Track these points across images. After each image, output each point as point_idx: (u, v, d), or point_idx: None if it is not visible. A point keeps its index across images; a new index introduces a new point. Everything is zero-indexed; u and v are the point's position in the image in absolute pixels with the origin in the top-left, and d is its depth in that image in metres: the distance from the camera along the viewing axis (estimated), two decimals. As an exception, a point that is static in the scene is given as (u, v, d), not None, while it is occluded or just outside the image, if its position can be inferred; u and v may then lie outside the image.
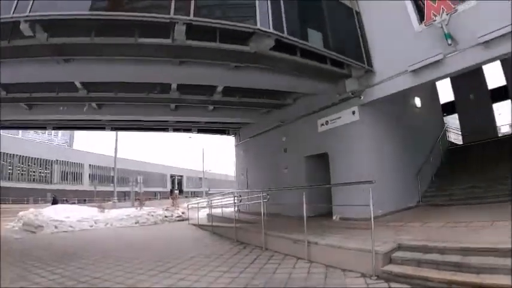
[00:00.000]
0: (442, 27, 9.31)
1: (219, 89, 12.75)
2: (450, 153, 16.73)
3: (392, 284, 5.68)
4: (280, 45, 8.80)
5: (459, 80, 19.42)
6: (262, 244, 9.28)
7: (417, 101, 15.31)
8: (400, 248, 6.61)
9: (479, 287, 4.99)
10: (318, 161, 14.04)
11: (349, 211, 11.04)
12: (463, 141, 19.86)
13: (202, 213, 19.15)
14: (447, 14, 9.24)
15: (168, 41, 8.00)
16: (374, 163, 11.64)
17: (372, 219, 6.35)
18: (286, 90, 13.49)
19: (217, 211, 16.23)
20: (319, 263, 7.23)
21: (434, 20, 9.47)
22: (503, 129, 21.30)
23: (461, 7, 9.22)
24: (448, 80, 20.72)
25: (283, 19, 8.48)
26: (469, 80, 19.18)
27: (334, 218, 12.13)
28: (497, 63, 19.50)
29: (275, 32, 8.16)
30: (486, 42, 8.64)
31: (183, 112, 15.38)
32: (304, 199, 8.06)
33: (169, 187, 79.18)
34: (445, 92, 21.60)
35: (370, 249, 6.19)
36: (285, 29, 8.43)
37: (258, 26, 7.89)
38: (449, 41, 9.24)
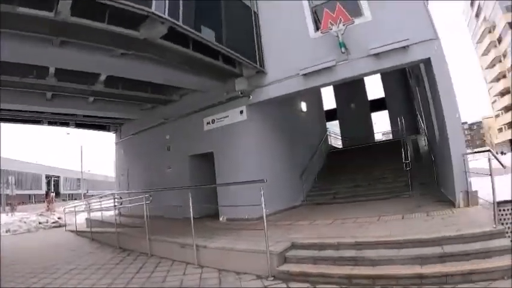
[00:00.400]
0: (337, 36, 9.63)
1: (102, 77, 11.46)
2: (331, 156, 17.67)
3: (291, 283, 5.61)
4: (172, 36, 8.17)
5: (342, 90, 20.73)
6: (148, 250, 8.63)
7: (303, 106, 15.92)
8: (293, 246, 6.61)
9: (378, 277, 5.23)
10: (203, 161, 13.61)
11: (236, 211, 10.84)
12: (342, 145, 21.15)
13: (81, 218, 17.38)
14: (344, 25, 9.59)
15: (51, 15, 6.81)
16: (260, 163, 11.58)
17: (265, 218, 6.23)
18: (173, 85, 12.74)
19: (96, 215, 15.09)
20: (210, 267, 6.88)
21: (331, 29, 9.73)
22: (378, 136, 23.35)
23: (358, 20, 9.80)
24: (331, 89, 21.94)
25: (180, 7, 7.85)
26: (351, 90, 20.58)
27: (221, 219, 11.83)
28: (378, 77, 21.32)
29: (170, 18, 7.48)
30: (376, 54, 9.34)
31: (60, 103, 13.46)
32: (190, 200, 7.66)
33: (44, 189, 70.83)
34: (328, 100, 22.87)
35: (264, 250, 6.06)
36: (180, 17, 7.80)
37: (153, 9, 7.16)
38: (343, 50, 9.63)
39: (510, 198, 6.39)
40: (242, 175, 10.79)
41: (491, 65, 77.66)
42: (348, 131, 21.83)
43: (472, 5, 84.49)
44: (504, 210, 6.11)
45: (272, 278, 5.86)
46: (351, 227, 7.66)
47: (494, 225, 5.85)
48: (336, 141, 22.05)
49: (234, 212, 11.21)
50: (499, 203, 6.17)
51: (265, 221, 6.19)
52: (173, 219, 11.87)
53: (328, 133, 19.68)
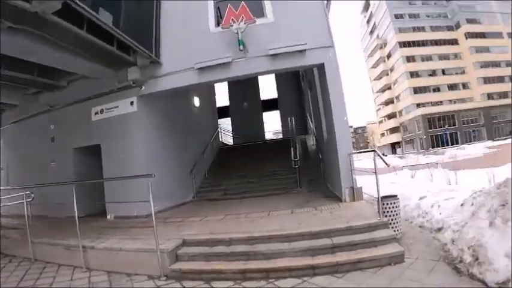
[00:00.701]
0: (237, 33, 9.55)
1: (-21, 53, 10.12)
2: (222, 153, 17.64)
3: (185, 282, 5.47)
4: (66, 14, 7.44)
5: (236, 87, 20.82)
6: (31, 255, 7.65)
7: (196, 101, 15.64)
8: (185, 244, 6.43)
9: (271, 271, 5.32)
10: (89, 154, 12.46)
11: (125, 209, 10.04)
12: (233, 143, 21.27)
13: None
14: (245, 23, 9.56)
15: None
16: (150, 157, 11.02)
17: (154, 215, 5.95)
18: (63, 69, 11.66)
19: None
20: (99, 270, 6.38)
21: (232, 26, 9.62)
22: (269, 135, 23.90)
23: (260, 20, 9.94)
24: (225, 86, 21.94)
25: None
26: (245, 89, 20.74)
27: (108, 217, 11.01)
28: (272, 78, 21.79)
29: (66, -8, 6.79)
30: (274, 55, 9.51)
31: None
32: (74, 197, 6.98)
33: None
34: (222, 97, 22.85)
35: (155, 249, 5.82)
36: (76, -8, 7.12)
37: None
38: (241, 47, 9.59)
39: (391, 194, 6.94)
40: (130, 170, 10.12)
41: (379, 77, 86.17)
42: (239, 128, 22.05)
43: (368, 21, 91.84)
44: (387, 204, 6.57)
45: (165, 278, 5.70)
46: (242, 222, 7.65)
47: (379, 218, 6.34)
48: (227, 138, 22.17)
49: (122, 210, 10.40)
50: (383, 198, 6.63)
51: (154, 218, 5.90)
52: (58, 219, 10.68)
53: (219, 129, 19.64)
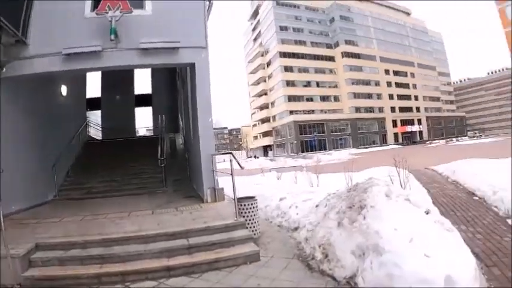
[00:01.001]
0: (111, 21, 8.96)
1: None
2: (89, 148, 16.37)
3: None
4: None
5: (110, 79, 19.65)
6: None
7: (64, 89, 13.94)
8: (38, 248, 5.76)
9: (127, 274, 5.17)
10: None
11: None
12: (102, 137, 20.06)
13: None
14: (121, 12, 9.04)
15: None
16: (6, 150, 9.73)
17: (1, 217, 5.20)
18: None
19: None
20: None
21: (107, 12, 9.05)
22: (142, 132, 23.01)
23: (138, 11, 9.41)
24: (99, 76, 20.68)
25: None
26: (119, 81, 19.70)
27: None
28: (148, 72, 21.13)
29: None
30: (146, 49, 9.11)
31: None
32: None
33: None
34: (94, 88, 21.38)
35: (5, 254, 5.09)
36: None
37: None
38: (113, 37, 8.94)
39: (249, 195, 7.17)
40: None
41: (257, 83, 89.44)
42: (110, 122, 20.77)
43: (254, 29, 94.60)
44: (244, 205, 6.77)
45: (18, 287, 5.09)
46: (101, 223, 7.24)
47: (236, 218, 6.51)
48: (97, 133, 20.81)
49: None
50: (240, 199, 6.85)
51: (1, 220, 5.17)
52: None
53: (88, 122, 18.33)
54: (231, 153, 7.27)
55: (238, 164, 6.99)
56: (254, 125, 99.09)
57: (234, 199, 6.64)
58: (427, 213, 5.25)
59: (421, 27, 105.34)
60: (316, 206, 7.10)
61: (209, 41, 9.55)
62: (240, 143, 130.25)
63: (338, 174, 13.47)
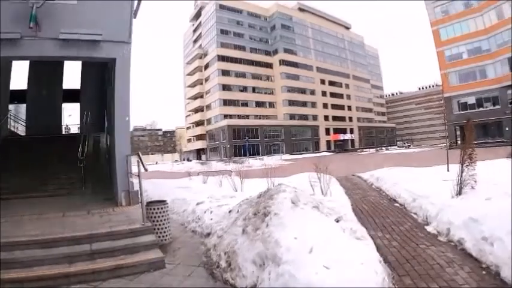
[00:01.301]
0: (33, 7, 8.36)
1: None
2: (9, 144, 15.43)
3: None
4: None
5: (38, 70, 18.65)
6: None
7: None
8: None
9: (27, 280, 4.86)
10: None
11: None
12: (26, 133, 19.02)
13: None
14: None
15: None
16: None
17: None
18: None
19: None
20: None
21: (30, -1, 8.48)
22: (74, 129, 21.96)
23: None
24: (26, 67, 19.58)
25: None
26: (48, 73, 18.72)
27: None
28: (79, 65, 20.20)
29: None
30: (66, 40, 8.60)
31: None
32: None
33: None
34: (20, 79, 20.19)
35: None
36: None
37: None
38: (31, 24, 8.32)
39: (157, 199, 7.01)
40: None
41: (193, 85, 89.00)
42: (35, 117, 19.75)
43: (195, 31, 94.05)
44: (154, 209, 6.60)
45: None
46: (6, 226, 6.55)
47: (143, 223, 6.25)
48: (21, 128, 19.68)
49: None
50: (150, 203, 6.69)
51: None
52: None
53: (9, 116, 17.32)
54: (138, 153, 7.01)
55: (143, 166, 6.58)
56: (188, 128, 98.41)
57: (141, 203, 6.44)
58: (338, 221, 5.36)
59: (358, 42, 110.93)
60: (230, 211, 7.09)
61: (133, 36, 9.24)
62: (173, 145, 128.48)
63: (264, 179, 13.66)
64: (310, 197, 6.37)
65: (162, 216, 6.66)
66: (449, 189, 7.35)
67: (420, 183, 9.58)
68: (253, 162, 39.59)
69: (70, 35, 8.58)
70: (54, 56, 9.36)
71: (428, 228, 6.47)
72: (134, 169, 7.73)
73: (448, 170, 12.34)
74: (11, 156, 13.48)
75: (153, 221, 6.55)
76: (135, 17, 9.77)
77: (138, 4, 10.48)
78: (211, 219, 7.52)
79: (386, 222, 7.31)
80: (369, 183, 13.76)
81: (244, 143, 71.87)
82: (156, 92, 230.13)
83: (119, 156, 8.64)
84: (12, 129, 17.79)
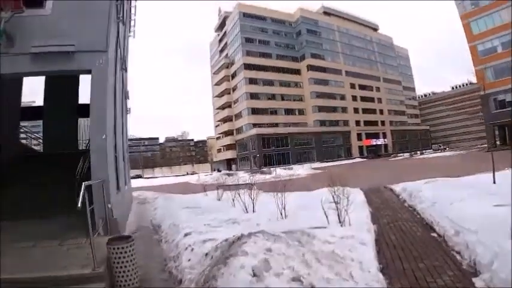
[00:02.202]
0: (0, 22, 7.62)
1: None
2: (19, 161, 14.64)
3: None
4: None
5: (55, 86, 17.99)
6: None
7: None
8: None
9: None
10: None
11: None
12: (43, 149, 18.51)
13: None
14: (12, 11, 7.72)
15: None
16: None
17: None
18: None
19: None
20: None
21: (-2, 13, 7.70)
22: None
23: (33, 11, 8.07)
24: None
25: None
26: (64, 88, 18.09)
27: None
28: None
29: None
30: (37, 54, 7.76)
31: None
32: None
33: None
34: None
35: None
36: None
37: None
38: (0, 41, 7.68)
39: (125, 234, 5.82)
40: None
41: (221, 95, 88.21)
42: (51, 133, 19.21)
43: (220, 40, 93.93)
44: (114, 248, 5.34)
45: None
46: None
47: (94, 268, 5.06)
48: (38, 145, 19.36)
49: None
50: (110, 240, 5.52)
51: None
52: None
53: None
54: (83, 183, 5.85)
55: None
56: (218, 138, 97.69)
57: (91, 243, 5.23)
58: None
59: (387, 43, 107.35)
60: (206, 254, 5.87)
61: (111, 44, 8.28)
62: (206, 155, 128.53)
63: (287, 193, 12.61)
64: (291, 259, 4.50)
65: (125, 257, 5.31)
66: (503, 218, 5.29)
67: (464, 204, 7.63)
68: (280, 172, 38.29)
69: (41, 48, 7.73)
70: (29, 72, 8.40)
71: (478, 283, 4.49)
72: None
73: (494, 182, 10.63)
74: (18, 173, 12.68)
75: (115, 262, 5.28)
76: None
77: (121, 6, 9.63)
78: (189, 260, 6.17)
79: (420, 268, 5.23)
80: (401, 199, 11.96)
81: (274, 151, 70.72)
82: (187, 103, 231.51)
83: (95, 179, 7.48)
84: (31, 146, 17.33)
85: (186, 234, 7.61)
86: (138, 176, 78.81)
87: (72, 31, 7.97)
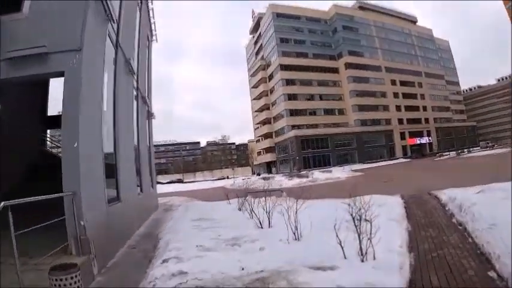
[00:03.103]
0: None
1: None
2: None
3: None
4: None
5: None
6: None
7: None
8: None
9: None
10: None
11: None
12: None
13: None
14: None
15: None
16: None
17: None
18: None
19: None
20: None
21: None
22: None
23: (13, 15, 7.28)
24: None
25: None
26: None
27: None
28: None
29: None
30: (12, 59, 6.88)
31: None
32: None
33: None
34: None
35: None
36: None
37: None
38: None
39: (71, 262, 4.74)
40: None
41: (259, 97, 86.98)
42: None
43: (255, 43, 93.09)
44: (55, 280, 4.30)
45: None
46: None
47: None
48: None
49: None
50: (52, 269, 4.45)
51: None
52: None
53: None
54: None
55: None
56: (257, 141, 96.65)
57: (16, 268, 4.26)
58: None
59: (427, 35, 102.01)
60: None
61: (92, 43, 7.24)
62: (247, 158, 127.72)
63: (320, 201, 11.66)
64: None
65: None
66: None
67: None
68: (318, 176, 36.80)
69: (14, 53, 6.84)
70: (3, 79, 7.49)
71: None
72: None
73: None
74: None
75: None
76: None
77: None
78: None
79: None
80: (448, 211, 9.68)
81: (314, 153, 69.11)
82: (227, 106, 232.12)
83: (66, 193, 6.47)
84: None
85: (163, 261, 6.51)
86: (180, 181, 79.37)
87: (44, 31, 7.13)
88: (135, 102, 13.72)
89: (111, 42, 9.83)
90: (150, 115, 18.55)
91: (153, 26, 19.85)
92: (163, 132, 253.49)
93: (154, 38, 20.55)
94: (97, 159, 7.78)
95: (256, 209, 10.71)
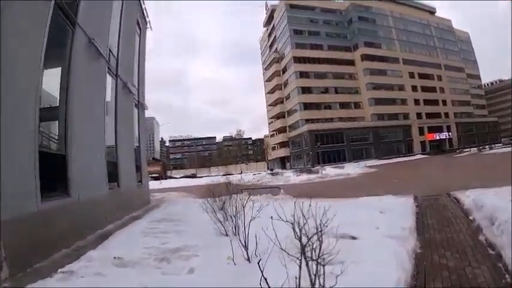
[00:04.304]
0: None
1: None
2: None
3: None
4: None
5: None
6: None
7: None
8: None
9: None
10: None
11: None
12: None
13: None
14: None
15: None
16: None
17: None
18: None
19: None
20: None
21: None
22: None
23: None
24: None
25: None
26: None
27: None
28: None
29: None
30: None
31: None
32: None
33: None
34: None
35: None
36: None
37: None
38: None
39: None
40: None
41: (272, 91, 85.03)
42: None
43: (269, 35, 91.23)
44: None
45: None
46: None
47: None
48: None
49: None
50: None
51: None
52: None
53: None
54: None
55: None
56: (272, 135, 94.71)
57: None
58: None
59: (446, 26, 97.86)
60: None
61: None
62: (263, 153, 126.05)
63: (317, 200, 9.45)
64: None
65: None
66: None
67: None
68: (329, 172, 34.83)
69: None
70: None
71: None
72: None
73: None
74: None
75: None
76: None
77: None
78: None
79: None
80: (472, 222, 7.63)
81: (327, 148, 66.89)
82: (245, 101, 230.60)
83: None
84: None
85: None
86: (193, 175, 78.18)
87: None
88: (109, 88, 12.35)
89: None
90: (140, 106, 17.05)
91: (145, 12, 18.36)
92: (180, 128, 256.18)
93: (148, 25, 19.13)
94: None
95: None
